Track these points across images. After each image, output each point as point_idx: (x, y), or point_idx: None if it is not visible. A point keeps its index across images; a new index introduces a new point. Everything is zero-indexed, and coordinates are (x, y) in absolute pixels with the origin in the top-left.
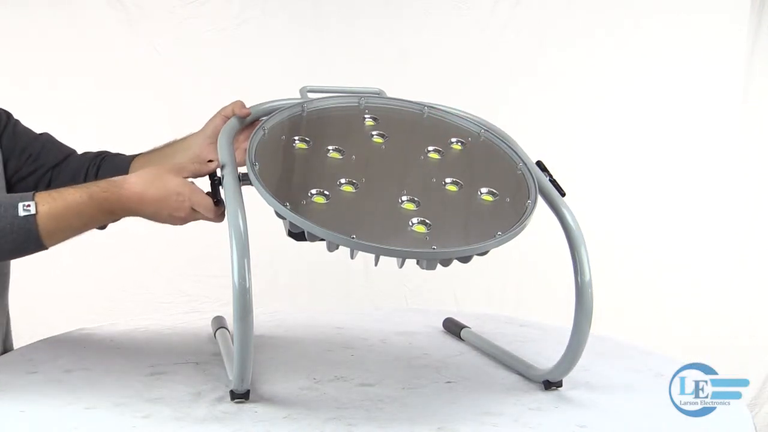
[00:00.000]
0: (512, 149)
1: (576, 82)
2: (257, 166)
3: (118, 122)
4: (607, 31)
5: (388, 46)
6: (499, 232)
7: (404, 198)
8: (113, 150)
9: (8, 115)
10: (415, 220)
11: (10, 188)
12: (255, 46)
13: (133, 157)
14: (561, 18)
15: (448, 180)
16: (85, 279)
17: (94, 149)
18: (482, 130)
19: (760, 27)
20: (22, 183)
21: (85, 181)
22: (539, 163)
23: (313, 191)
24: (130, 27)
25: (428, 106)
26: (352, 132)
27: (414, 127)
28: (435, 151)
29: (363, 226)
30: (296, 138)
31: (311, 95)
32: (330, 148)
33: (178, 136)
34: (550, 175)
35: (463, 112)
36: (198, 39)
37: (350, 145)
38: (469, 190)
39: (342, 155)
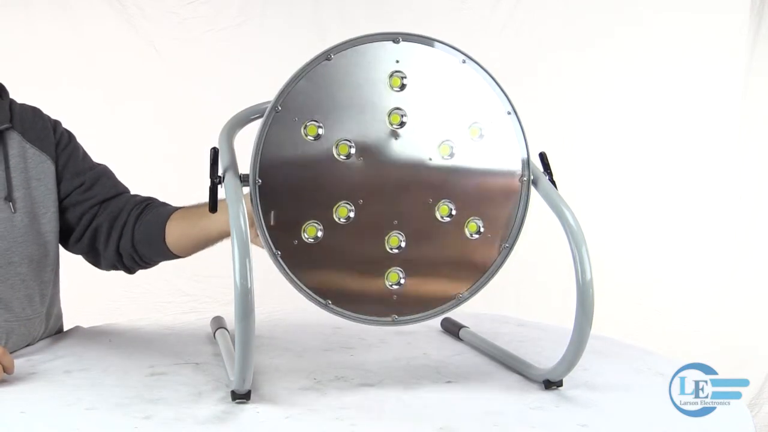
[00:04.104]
0: (525, 143)
1: (576, 82)
2: (259, 182)
3: (118, 122)
4: (607, 31)
5: None
6: (461, 293)
7: (392, 231)
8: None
9: (70, 135)
10: (391, 269)
11: (62, 212)
12: (255, 46)
13: (175, 209)
14: (561, 18)
15: (442, 201)
16: (84, 279)
17: (133, 182)
18: (507, 112)
19: (760, 27)
20: (70, 210)
21: (125, 224)
22: (542, 155)
23: (308, 222)
24: (130, 27)
25: (467, 57)
26: (372, 104)
27: (441, 90)
28: (447, 144)
29: (340, 282)
30: (308, 123)
31: None
32: (340, 142)
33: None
34: (550, 175)
35: (496, 81)
36: (198, 39)
37: (364, 133)
38: (459, 216)
39: (349, 156)
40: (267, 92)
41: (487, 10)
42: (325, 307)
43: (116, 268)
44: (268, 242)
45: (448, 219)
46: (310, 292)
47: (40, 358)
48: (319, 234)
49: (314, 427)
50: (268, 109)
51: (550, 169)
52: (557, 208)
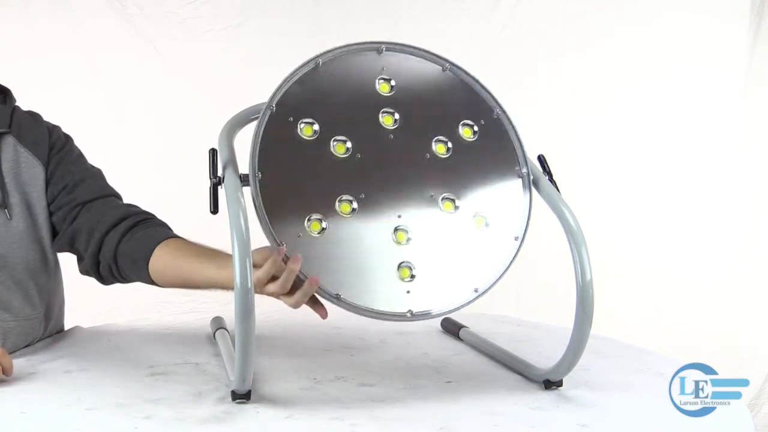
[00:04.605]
0: (519, 140)
1: (575, 83)
2: (259, 176)
3: (118, 122)
4: (607, 32)
5: None
6: (475, 289)
7: (397, 225)
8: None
9: (66, 139)
10: (401, 263)
11: (49, 214)
12: (255, 46)
13: (172, 236)
14: (561, 18)
15: (445, 195)
16: (84, 279)
17: (131, 191)
18: (497, 111)
19: (760, 27)
20: (55, 214)
21: (109, 230)
22: (541, 158)
23: (311, 216)
24: (130, 27)
25: (450, 64)
26: (363, 106)
27: (429, 93)
28: (442, 142)
29: (350, 275)
30: (304, 121)
31: None
32: (337, 139)
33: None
34: (550, 175)
35: (482, 84)
36: (198, 39)
37: (358, 132)
38: (463, 210)
39: (347, 153)
40: (267, 92)
41: (487, 10)
42: (335, 300)
43: (89, 275)
44: (272, 235)
45: (452, 213)
46: (319, 287)
47: (40, 358)
48: (324, 228)
49: (314, 427)
50: (263, 109)
51: (549, 171)
52: (557, 208)
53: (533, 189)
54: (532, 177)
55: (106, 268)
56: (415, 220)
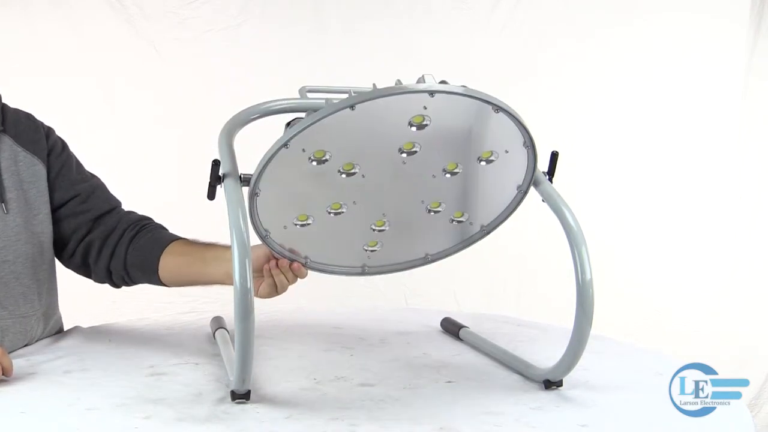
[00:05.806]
0: (534, 165)
1: (575, 83)
2: (259, 194)
3: (118, 122)
4: (607, 31)
5: (387, 46)
6: (427, 254)
7: (379, 218)
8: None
9: (63, 144)
10: (370, 239)
11: (56, 222)
12: (255, 46)
13: (172, 239)
14: (561, 18)
15: (434, 201)
16: (84, 279)
17: (129, 195)
18: (529, 151)
19: (760, 26)
20: (64, 221)
21: (117, 243)
22: (553, 155)
23: (299, 213)
24: (130, 27)
25: (505, 111)
26: (387, 142)
27: (464, 126)
28: (453, 162)
29: (320, 248)
30: (317, 151)
31: (311, 95)
32: (344, 163)
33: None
34: (551, 175)
35: (528, 130)
36: (198, 39)
37: (371, 160)
38: (446, 211)
39: (351, 174)
40: (267, 92)
41: (487, 10)
42: (304, 263)
43: (104, 283)
44: (257, 226)
45: (435, 212)
46: (290, 254)
47: (40, 358)
48: (310, 221)
49: (314, 427)
50: (277, 145)
51: (554, 170)
52: (557, 208)
53: (533, 187)
54: (532, 179)
55: (118, 278)
56: (398, 217)
